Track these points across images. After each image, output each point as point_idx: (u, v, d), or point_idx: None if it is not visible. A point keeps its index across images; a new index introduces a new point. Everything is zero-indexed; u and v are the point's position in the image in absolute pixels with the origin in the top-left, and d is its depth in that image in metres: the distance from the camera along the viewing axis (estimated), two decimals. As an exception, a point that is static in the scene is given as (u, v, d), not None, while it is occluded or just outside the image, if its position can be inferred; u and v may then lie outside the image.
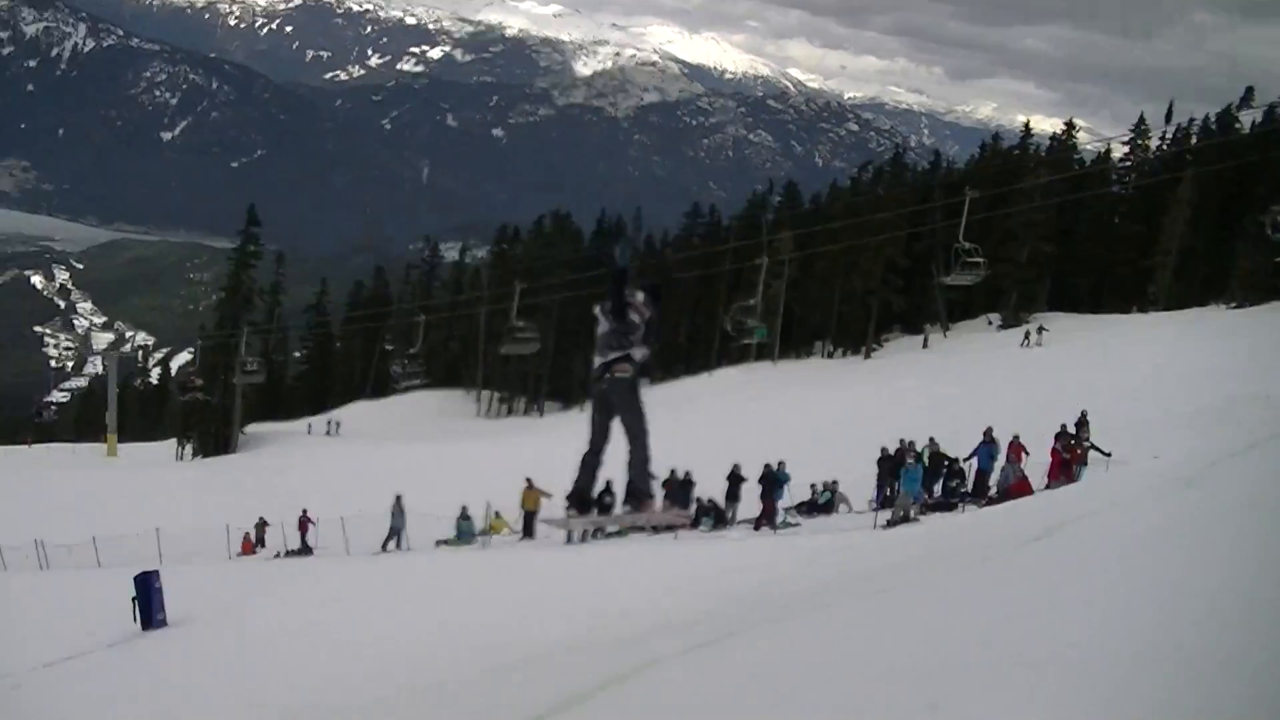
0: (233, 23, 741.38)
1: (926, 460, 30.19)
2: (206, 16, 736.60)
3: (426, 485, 42.60)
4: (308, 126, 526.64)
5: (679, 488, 31.05)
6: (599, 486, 10.78)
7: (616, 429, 10.37)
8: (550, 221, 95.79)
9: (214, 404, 76.58)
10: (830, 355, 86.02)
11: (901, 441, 30.53)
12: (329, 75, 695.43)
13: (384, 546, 34.42)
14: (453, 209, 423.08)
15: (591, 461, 10.42)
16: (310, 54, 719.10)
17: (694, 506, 31.17)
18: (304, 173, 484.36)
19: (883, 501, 30.70)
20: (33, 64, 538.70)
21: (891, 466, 30.74)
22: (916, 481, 28.63)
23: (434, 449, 61.69)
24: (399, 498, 34.89)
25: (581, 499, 10.53)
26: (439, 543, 34.23)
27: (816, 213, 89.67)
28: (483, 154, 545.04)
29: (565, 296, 78.16)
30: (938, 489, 30.54)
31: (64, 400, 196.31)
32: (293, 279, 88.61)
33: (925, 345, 79.67)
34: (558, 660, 12.39)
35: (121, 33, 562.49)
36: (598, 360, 10.32)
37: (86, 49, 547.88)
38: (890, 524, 26.61)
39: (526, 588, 23.54)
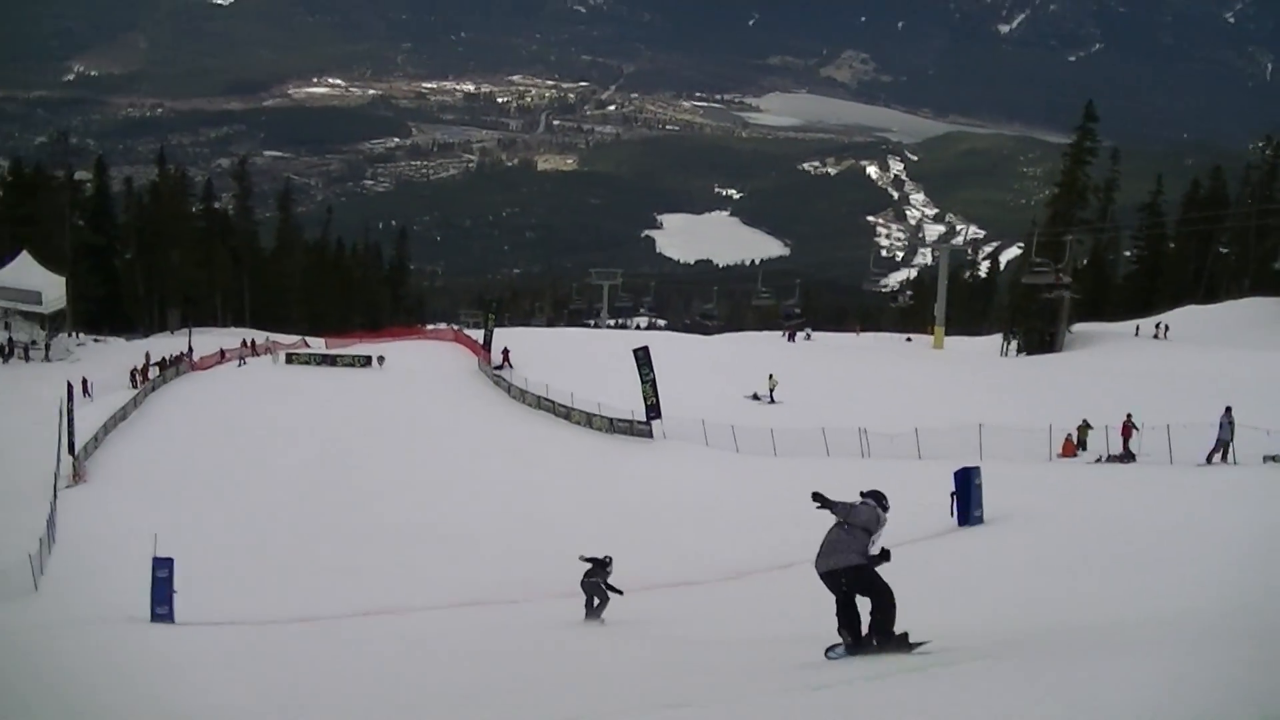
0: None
1: None
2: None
3: (1256, 397, 39.92)
4: (1146, 19, 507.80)
5: None
6: None
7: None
8: None
9: (1051, 299, 76.28)
10: None
11: None
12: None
13: (1209, 458, 32.60)
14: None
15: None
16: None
17: None
18: (1142, 67, 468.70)
19: None
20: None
21: None
22: None
23: (1267, 359, 57.75)
24: (1228, 409, 32.82)
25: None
26: (1267, 458, 31.95)
27: None
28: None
29: None
30: None
31: (894, 289, 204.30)
32: (1127, 175, 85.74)
33: None
34: None
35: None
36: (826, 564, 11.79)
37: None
38: None
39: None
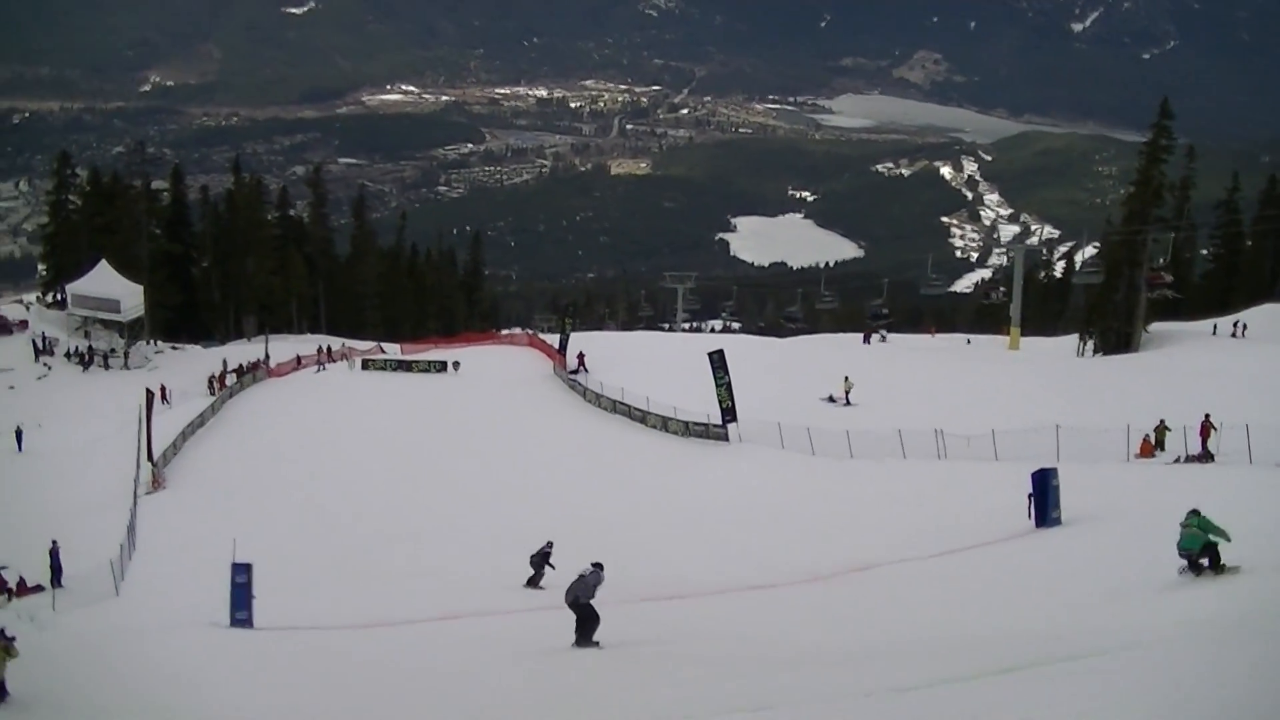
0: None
1: None
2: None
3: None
4: (1222, 15, 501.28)
5: None
6: None
7: None
8: None
9: (1117, 301, 75.54)
10: None
11: None
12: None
13: (1289, 459, 32.13)
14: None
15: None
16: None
17: None
18: (1218, 63, 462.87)
19: None
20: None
21: None
22: None
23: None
24: (1306, 407, 32.36)
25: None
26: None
27: None
28: None
29: None
30: None
31: (968, 291, 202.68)
32: (1203, 173, 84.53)
33: None
34: None
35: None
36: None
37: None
38: None
39: None
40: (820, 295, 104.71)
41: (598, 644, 20.58)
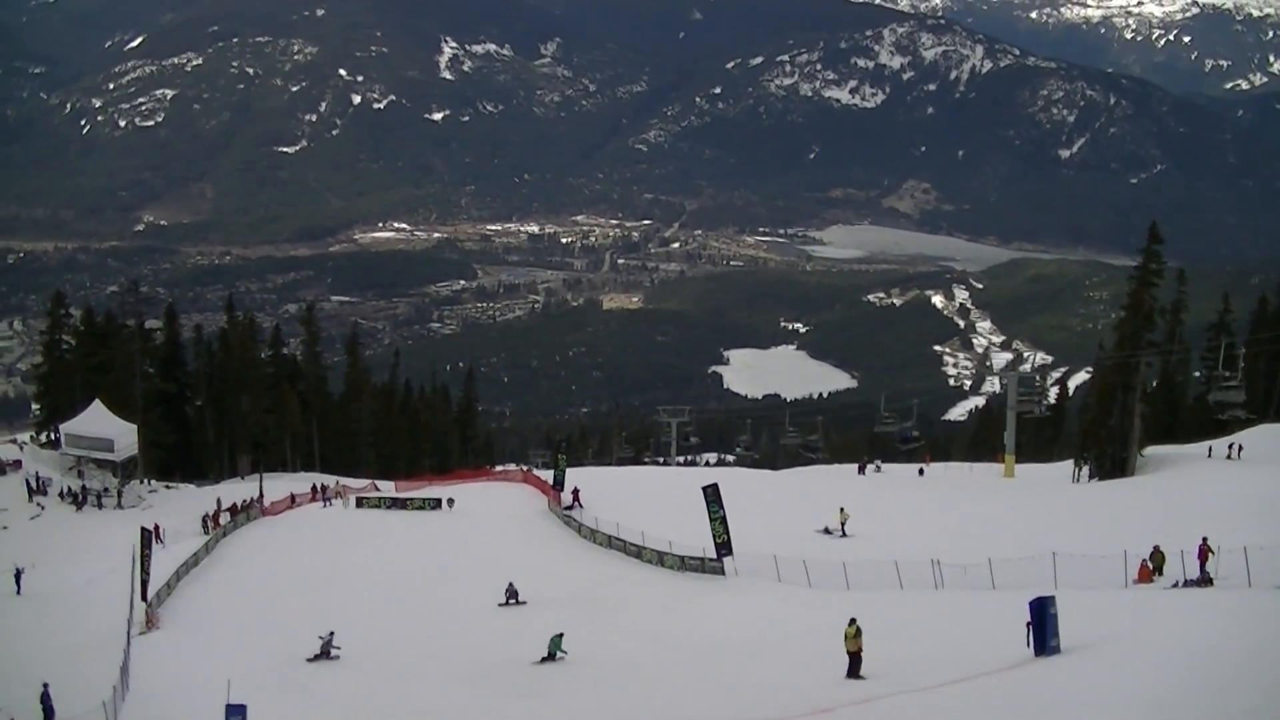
0: (1129, 36, 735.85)
1: None
2: (1103, 31, 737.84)
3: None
4: (1208, 138, 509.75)
5: None
6: None
7: None
8: None
9: (1111, 425, 75.46)
10: None
11: None
12: (1229, 85, 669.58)
13: (1285, 581, 32.05)
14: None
15: None
16: (1210, 64, 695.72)
17: None
18: (1206, 186, 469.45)
19: None
20: (932, 87, 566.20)
21: None
22: None
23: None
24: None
25: None
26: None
27: None
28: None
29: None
30: None
31: (962, 419, 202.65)
32: (1194, 295, 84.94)
33: None
34: None
35: (1018, 52, 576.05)
36: None
37: (984, 70, 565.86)
38: None
39: None
40: (785, 430, 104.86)
41: (336, 656, 36.39)
